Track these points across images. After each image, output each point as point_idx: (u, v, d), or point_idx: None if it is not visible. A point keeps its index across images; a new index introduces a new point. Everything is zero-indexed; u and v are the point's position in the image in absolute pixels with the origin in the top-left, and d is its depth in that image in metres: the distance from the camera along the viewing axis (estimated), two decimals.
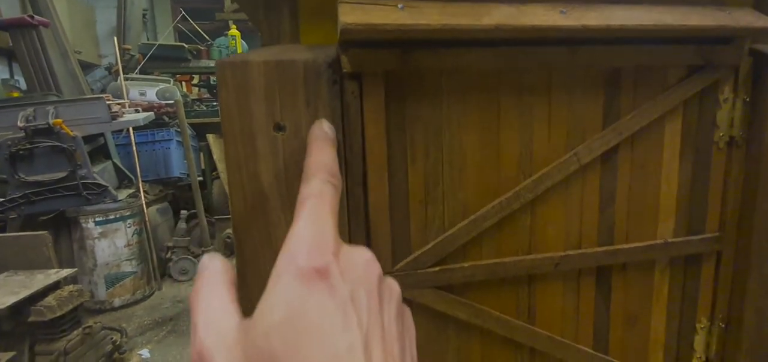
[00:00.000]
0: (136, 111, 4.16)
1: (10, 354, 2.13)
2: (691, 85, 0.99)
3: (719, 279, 1.11)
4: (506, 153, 0.93)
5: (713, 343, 1.14)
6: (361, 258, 0.36)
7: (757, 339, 1.11)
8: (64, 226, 3.52)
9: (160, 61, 5.80)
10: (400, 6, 0.78)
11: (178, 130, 4.54)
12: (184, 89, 6.11)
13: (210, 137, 5.21)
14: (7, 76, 5.17)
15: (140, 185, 4.00)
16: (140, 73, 5.39)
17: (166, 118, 4.70)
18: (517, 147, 0.93)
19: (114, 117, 3.60)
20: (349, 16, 0.74)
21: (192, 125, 4.98)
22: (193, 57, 6.08)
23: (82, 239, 3.45)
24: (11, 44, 3.96)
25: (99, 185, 3.33)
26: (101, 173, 3.63)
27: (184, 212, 4.42)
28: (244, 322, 0.33)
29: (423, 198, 0.91)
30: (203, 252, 4.49)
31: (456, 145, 0.91)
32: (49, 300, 2.30)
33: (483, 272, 0.95)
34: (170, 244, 4.20)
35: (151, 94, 4.88)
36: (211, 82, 6.32)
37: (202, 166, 5.31)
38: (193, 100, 5.89)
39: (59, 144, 3.15)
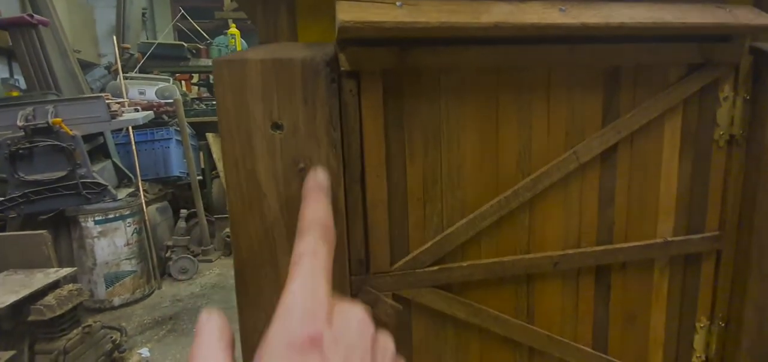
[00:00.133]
0: (136, 110, 4.16)
1: (10, 353, 2.13)
2: (691, 83, 0.99)
3: (719, 278, 1.10)
4: (505, 151, 0.93)
5: (713, 342, 1.14)
6: (355, 319, 0.36)
7: (758, 338, 1.11)
8: (63, 225, 3.52)
9: (160, 60, 5.80)
10: (398, 3, 0.78)
11: (178, 128, 4.54)
12: (184, 88, 6.10)
13: (209, 136, 5.21)
14: (6, 75, 5.17)
15: (140, 184, 4.00)
16: (139, 72, 5.39)
17: (166, 117, 4.70)
18: (516, 145, 0.93)
19: (113, 116, 3.59)
20: (347, 13, 0.73)
21: (191, 124, 4.98)
22: (192, 56, 6.08)
23: (81, 238, 3.45)
24: (11, 43, 3.96)
25: (98, 184, 3.33)
26: (101, 172, 3.63)
27: (183, 211, 4.42)
28: None
29: (421, 196, 0.90)
30: (203, 251, 4.49)
31: (454, 144, 0.90)
32: (49, 299, 2.30)
33: (482, 271, 0.94)
34: (170, 243, 4.20)
35: (151, 93, 4.87)
36: (211, 81, 6.32)
37: (202, 165, 5.31)
38: (192, 98, 5.89)
39: (59, 143, 3.15)
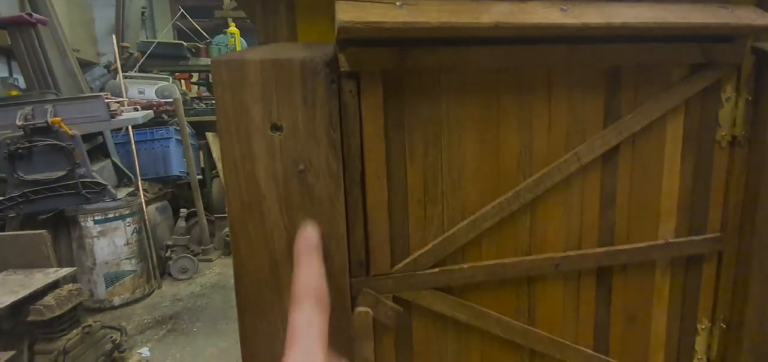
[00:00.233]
0: (135, 109, 4.15)
1: (9, 354, 2.12)
2: (693, 83, 0.98)
3: (721, 279, 1.10)
4: (506, 152, 0.92)
5: (714, 344, 1.14)
6: None
7: (759, 339, 1.11)
8: (63, 225, 3.52)
9: (159, 59, 5.79)
10: (398, 3, 0.77)
11: (178, 128, 4.53)
12: (183, 87, 6.09)
13: (209, 135, 5.20)
14: (5, 74, 5.16)
15: (139, 184, 3.99)
16: (139, 71, 5.38)
17: (165, 117, 4.69)
18: (517, 146, 0.92)
19: (113, 115, 3.59)
20: (346, 13, 0.73)
21: (191, 123, 4.97)
22: (192, 55, 6.07)
23: (81, 238, 3.45)
24: (9, 42, 3.95)
25: (98, 184, 3.33)
26: (100, 172, 3.62)
27: (183, 210, 4.41)
28: None
29: (422, 198, 0.90)
30: (203, 250, 4.48)
31: (455, 145, 0.90)
32: (49, 299, 2.29)
33: (482, 273, 0.94)
34: (170, 243, 4.20)
35: (150, 92, 4.87)
36: (211, 80, 6.29)
37: (202, 165, 5.30)
38: (192, 98, 5.88)
39: (58, 142, 3.14)
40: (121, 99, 4.00)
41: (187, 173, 4.55)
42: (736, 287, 1.11)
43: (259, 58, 0.73)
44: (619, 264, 1.03)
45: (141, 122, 3.98)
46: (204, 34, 6.51)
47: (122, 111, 3.68)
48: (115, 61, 4.59)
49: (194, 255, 4.25)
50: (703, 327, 1.12)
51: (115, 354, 2.68)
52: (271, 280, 0.79)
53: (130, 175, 3.98)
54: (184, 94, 5.53)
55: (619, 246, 1.01)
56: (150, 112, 4.20)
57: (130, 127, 4.16)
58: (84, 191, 3.26)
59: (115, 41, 4.81)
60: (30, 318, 2.23)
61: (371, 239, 0.86)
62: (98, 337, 2.56)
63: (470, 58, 0.84)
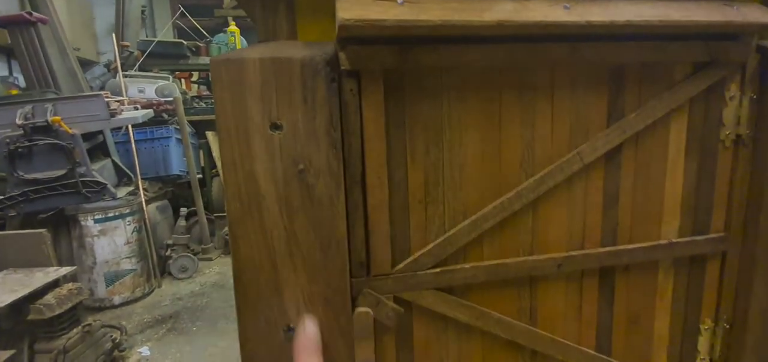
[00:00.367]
0: (135, 108, 4.14)
1: (9, 353, 2.12)
2: (698, 82, 0.97)
3: (724, 279, 1.09)
4: (508, 152, 0.91)
5: (717, 344, 1.13)
6: None
7: (762, 340, 1.10)
8: (63, 224, 3.51)
9: (159, 58, 5.77)
10: (399, 1, 0.76)
11: (178, 127, 4.52)
12: (183, 86, 6.08)
13: (209, 134, 5.19)
14: (5, 73, 5.16)
15: (139, 183, 3.99)
16: (139, 70, 5.36)
17: (165, 116, 4.68)
18: (519, 146, 0.91)
19: (113, 114, 3.58)
20: (347, 11, 0.72)
21: (191, 122, 4.96)
22: (192, 54, 6.05)
23: (81, 237, 3.44)
24: (9, 41, 3.94)
25: (98, 183, 3.32)
26: (100, 171, 3.62)
27: (183, 210, 4.40)
28: None
29: (423, 198, 0.89)
30: (203, 249, 4.48)
31: (456, 144, 0.89)
32: (49, 298, 2.29)
33: (484, 273, 0.93)
34: (170, 242, 4.19)
35: (150, 91, 4.85)
36: (211, 79, 6.27)
37: (202, 164, 5.29)
38: (192, 97, 5.87)
39: (58, 142, 3.13)
40: (121, 98, 3.99)
41: (187, 172, 4.54)
42: (739, 287, 1.10)
43: (258, 56, 0.72)
44: (622, 265, 1.02)
45: (141, 121, 3.97)
46: (204, 32, 6.50)
47: (122, 110, 3.67)
48: (115, 60, 4.58)
49: (194, 254, 4.24)
50: (706, 327, 1.11)
51: (115, 353, 2.68)
52: (271, 280, 0.78)
53: (130, 174, 3.98)
54: (184, 93, 5.52)
55: (622, 247, 1.00)
56: (150, 111, 4.19)
57: (130, 126, 4.15)
58: (84, 190, 3.25)
59: (115, 40, 4.79)
60: (30, 317, 2.23)
61: (372, 239, 0.85)
62: (98, 336, 2.56)
63: (472, 57, 0.83)
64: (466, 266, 0.92)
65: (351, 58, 0.76)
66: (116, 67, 4.66)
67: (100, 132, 3.92)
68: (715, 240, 1.05)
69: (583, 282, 1.02)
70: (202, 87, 6.71)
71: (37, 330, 2.35)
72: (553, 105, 0.91)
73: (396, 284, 0.88)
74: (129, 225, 3.64)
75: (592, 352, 1.04)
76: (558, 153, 0.92)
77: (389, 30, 0.74)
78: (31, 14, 3.86)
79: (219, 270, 4.31)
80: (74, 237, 3.58)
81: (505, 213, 0.91)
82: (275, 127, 0.75)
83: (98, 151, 3.97)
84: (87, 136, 3.56)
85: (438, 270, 0.90)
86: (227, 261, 4.46)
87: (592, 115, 0.93)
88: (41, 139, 3.16)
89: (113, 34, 5.08)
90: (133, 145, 4.23)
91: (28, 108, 3.21)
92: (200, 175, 5.11)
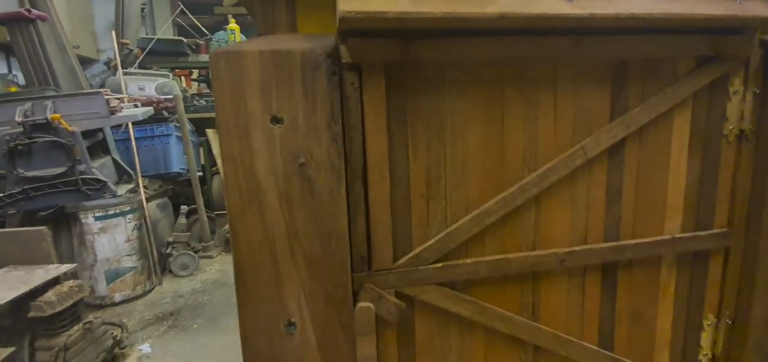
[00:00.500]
0: (135, 106, 4.12)
1: (10, 350, 2.12)
2: (701, 76, 0.97)
3: (727, 275, 1.09)
4: (510, 147, 0.91)
5: (720, 340, 1.12)
6: None
7: (765, 335, 1.09)
8: (63, 222, 3.50)
9: (159, 56, 5.75)
10: None
11: (178, 125, 4.50)
12: (184, 84, 6.07)
13: (209, 132, 5.18)
14: (5, 70, 5.14)
15: (140, 180, 3.98)
16: (139, 68, 5.34)
17: (165, 113, 4.67)
18: (522, 140, 0.91)
19: (113, 112, 3.56)
20: (348, 3, 0.71)
21: (191, 120, 4.94)
22: (192, 51, 6.03)
23: (81, 234, 3.43)
24: (9, 39, 3.92)
25: (98, 180, 3.31)
26: (100, 168, 3.61)
27: (184, 207, 4.39)
28: None
29: (425, 193, 0.88)
30: (203, 247, 4.48)
31: (458, 139, 0.88)
32: (49, 295, 2.28)
33: (486, 268, 0.93)
34: (170, 239, 4.18)
35: (150, 88, 4.84)
36: (211, 77, 6.25)
37: (202, 161, 5.28)
38: (192, 94, 5.85)
39: (58, 139, 3.12)
40: (120, 95, 3.98)
41: (188, 170, 4.54)
42: (741, 283, 1.10)
43: (258, 49, 0.72)
44: (625, 260, 1.02)
45: (141, 118, 3.96)
46: (204, 30, 6.48)
47: (122, 107, 3.66)
48: (115, 58, 4.57)
49: (195, 252, 4.24)
50: (709, 323, 1.11)
51: (116, 350, 2.68)
52: (272, 275, 0.77)
53: (130, 171, 3.97)
54: (184, 90, 5.51)
55: (625, 242, 0.99)
56: (150, 108, 4.17)
57: (130, 124, 4.14)
58: (84, 188, 3.25)
59: (114, 37, 4.78)
60: (30, 314, 2.22)
61: (373, 234, 0.85)
62: (99, 333, 2.56)
63: (474, 51, 0.83)
64: (468, 261, 0.92)
65: (352, 51, 0.75)
66: (116, 65, 4.65)
67: (100, 129, 3.91)
68: (718, 236, 1.05)
69: (586, 277, 1.01)
70: (202, 85, 6.70)
71: (38, 328, 2.35)
72: (556, 99, 0.91)
73: (397, 279, 0.88)
74: (129, 222, 3.63)
75: (595, 348, 1.04)
76: (561, 147, 0.92)
77: (390, 22, 0.73)
78: (30, 11, 3.84)
79: (220, 267, 4.30)
80: (75, 234, 3.58)
81: (507, 208, 0.91)
82: (275, 120, 0.74)
83: (98, 148, 3.96)
84: (87, 134, 3.55)
85: (440, 265, 0.90)
86: (228, 258, 4.46)
87: (596, 110, 0.93)
88: (41, 137, 3.16)
89: (113, 32, 5.06)
90: (133, 143, 4.22)
91: (27, 105, 3.20)
92: (200, 173, 5.10)
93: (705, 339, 1.12)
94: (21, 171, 3.16)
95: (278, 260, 0.77)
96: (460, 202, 0.90)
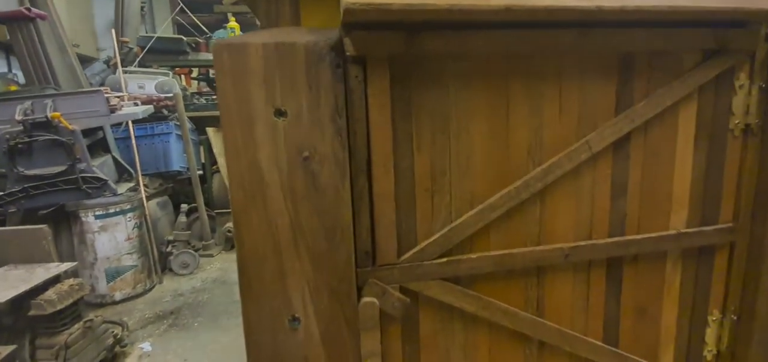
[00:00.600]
0: (135, 104, 4.11)
1: (10, 348, 2.11)
2: (706, 70, 0.96)
3: (732, 270, 1.08)
4: (515, 141, 0.90)
5: (725, 336, 1.12)
6: None
7: None
8: (63, 220, 3.50)
9: (159, 54, 5.74)
10: None
11: (178, 123, 4.49)
12: (183, 83, 6.05)
13: (210, 130, 5.17)
14: (4, 69, 5.13)
15: (140, 179, 3.97)
16: (139, 66, 5.33)
17: (166, 112, 4.66)
18: (527, 134, 0.90)
19: (113, 110, 3.55)
20: None
21: (191, 119, 4.93)
22: (192, 50, 6.02)
23: (82, 233, 3.43)
24: (8, 37, 3.91)
25: (98, 179, 3.30)
26: (100, 167, 3.60)
27: (184, 206, 4.39)
28: None
29: (429, 187, 0.88)
30: (203, 246, 4.47)
31: (463, 133, 0.87)
32: (50, 294, 2.27)
33: (491, 263, 0.92)
34: (171, 238, 4.17)
35: (150, 87, 4.83)
36: (211, 76, 6.27)
37: (202, 160, 5.27)
38: (192, 93, 5.84)
39: (58, 137, 3.11)
40: (120, 94, 3.97)
41: (188, 168, 4.53)
42: (747, 278, 1.09)
43: (261, 41, 0.71)
44: (630, 255, 1.01)
45: (141, 117, 3.95)
46: (204, 29, 6.47)
47: (122, 106, 3.65)
48: (115, 56, 4.56)
49: (195, 251, 4.23)
50: (714, 318, 1.10)
51: (117, 348, 2.67)
52: (275, 269, 0.77)
53: (130, 170, 3.96)
54: (184, 89, 5.50)
55: (630, 237, 0.99)
56: (150, 107, 4.16)
57: (130, 122, 4.13)
58: (84, 186, 3.24)
59: (114, 36, 4.77)
60: (31, 312, 2.22)
61: (377, 228, 0.84)
62: (99, 332, 2.55)
63: (479, 44, 0.82)
64: (473, 256, 0.91)
65: (356, 43, 0.75)
66: (116, 63, 4.64)
67: (100, 128, 3.90)
68: (724, 231, 1.04)
69: (591, 272, 1.01)
70: (202, 83, 6.69)
71: (38, 326, 2.34)
72: (561, 93, 0.90)
73: (402, 274, 0.87)
74: (130, 221, 3.63)
75: (599, 343, 1.03)
76: (566, 141, 0.91)
77: (395, 14, 0.72)
78: (29, 10, 3.83)
79: (220, 266, 4.30)
80: (75, 233, 3.57)
81: (512, 202, 0.90)
82: (279, 113, 0.73)
83: (98, 147, 3.95)
84: (87, 132, 3.54)
85: (444, 259, 0.89)
86: (228, 257, 4.46)
87: (601, 104, 0.92)
88: (41, 135, 3.15)
89: (112, 30, 5.05)
90: (134, 141, 4.21)
91: (27, 104, 3.19)
92: (201, 171, 5.10)
93: (710, 334, 1.11)
94: (21, 169, 3.15)
95: (282, 254, 0.77)
96: (464, 197, 0.90)
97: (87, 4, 6.57)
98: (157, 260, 4.02)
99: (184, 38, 6.06)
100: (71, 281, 2.46)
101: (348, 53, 0.75)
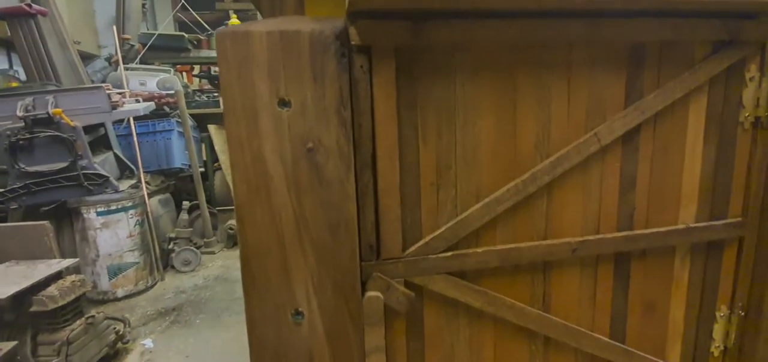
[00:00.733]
0: (137, 101, 4.11)
1: (12, 344, 2.11)
2: (717, 62, 0.94)
3: (741, 265, 1.06)
4: (522, 133, 0.88)
5: (732, 332, 1.11)
6: None
7: None
8: (65, 217, 3.50)
9: (161, 51, 5.73)
10: None
11: (179, 120, 4.49)
12: (185, 80, 6.05)
13: (211, 128, 5.16)
14: (5, 66, 5.12)
15: (142, 176, 3.97)
16: (140, 63, 5.33)
17: (167, 109, 4.65)
18: (534, 127, 0.88)
19: (114, 107, 3.55)
20: None
21: (193, 116, 4.92)
22: (193, 47, 6.01)
23: (84, 230, 3.43)
24: (9, 34, 3.90)
25: (100, 176, 3.30)
26: (102, 164, 3.60)
27: (186, 203, 4.38)
28: None
29: (435, 180, 0.86)
30: (205, 243, 4.47)
31: (470, 126, 0.86)
32: (52, 289, 2.27)
33: (497, 258, 0.91)
34: (172, 235, 4.17)
35: (152, 84, 4.82)
36: (212, 73, 6.26)
37: (204, 157, 5.27)
38: (193, 90, 5.83)
39: (59, 134, 3.11)
40: (122, 90, 3.97)
41: (190, 166, 4.53)
42: (755, 274, 1.08)
43: (265, 29, 0.70)
44: (638, 250, 1.00)
45: (142, 113, 3.94)
46: (205, 26, 6.46)
47: (124, 102, 3.64)
48: (116, 53, 4.55)
49: (197, 248, 4.23)
50: (722, 314, 1.09)
51: (119, 345, 2.67)
52: (279, 263, 0.76)
53: (132, 167, 3.96)
54: (185, 86, 5.49)
55: (639, 231, 0.97)
56: (151, 104, 4.16)
57: (131, 119, 4.12)
58: (86, 183, 3.23)
59: (115, 33, 4.76)
60: (33, 308, 2.21)
61: (382, 222, 0.83)
62: (102, 328, 2.55)
63: (487, 34, 0.81)
64: (479, 250, 0.90)
65: (362, 32, 0.73)
66: (117, 60, 4.63)
67: (102, 125, 3.89)
68: (733, 226, 1.03)
69: (598, 267, 0.99)
70: (204, 80, 6.69)
71: (40, 322, 2.34)
72: (570, 85, 0.88)
73: (407, 268, 0.86)
74: (131, 218, 3.62)
75: (606, 339, 1.02)
76: (574, 134, 0.90)
77: (401, 2, 0.71)
78: (30, 6, 3.82)
79: (222, 263, 4.30)
80: (77, 230, 3.57)
81: (519, 196, 0.89)
82: (283, 103, 0.72)
83: (100, 143, 3.95)
84: (88, 129, 3.53)
85: (450, 254, 0.88)
86: (230, 254, 4.46)
87: (610, 96, 0.91)
88: (42, 131, 3.14)
89: (114, 27, 5.04)
90: (135, 138, 4.21)
91: (28, 100, 3.18)
92: (202, 169, 5.09)
93: (717, 330, 1.10)
94: (23, 166, 3.15)
95: (286, 247, 0.76)
96: (470, 190, 0.88)
97: (88, 1, 6.56)
98: (159, 257, 4.02)
99: (186, 35, 6.05)
100: (73, 277, 2.46)
101: (353, 43, 0.74)
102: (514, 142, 0.88)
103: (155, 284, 3.92)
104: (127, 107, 3.79)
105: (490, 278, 0.93)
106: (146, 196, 3.93)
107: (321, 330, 0.81)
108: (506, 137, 0.88)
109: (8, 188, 3.12)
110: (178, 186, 4.88)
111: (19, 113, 3.12)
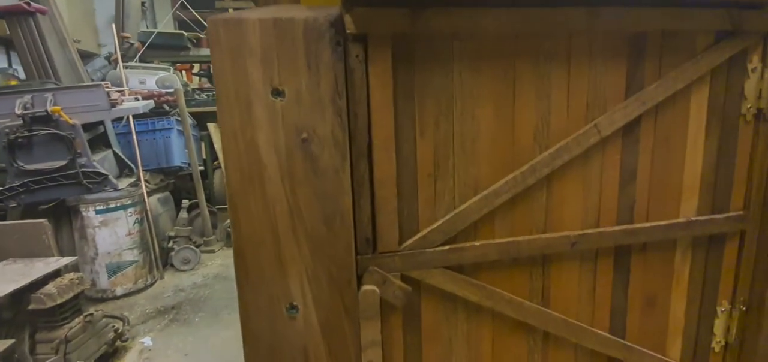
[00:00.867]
0: (136, 99, 4.10)
1: (9, 342, 2.10)
2: (719, 52, 0.93)
3: (742, 260, 1.05)
4: (522, 124, 0.87)
5: (733, 327, 1.09)
6: None
7: None
8: (64, 215, 3.49)
9: (160, 50, 5.72)
10: None
11: (179, 118, 4.48)
12: (185, 78, 6.04)
13: (211, 126, 5.15)
14: (4, 64, 5.12)
15: (141, 174, 3.96)
16: (140, 62, 5.32)
17: (167, 107, 4.64)
18: (534, 118, 0.87)
19: (113, 105, 3.54)
20: None
21: (192, 114, 4.92)
22: (193, 45, 6.00)
23: (82, 228, 3.42)
24: (8, 32, 3.90)
25: (99, 174, 3.29)
26: (101, 162, 3.59)
27: (185, 201, 4.37)
28: None
29: (432, 172, 0.85)
30: (205, 241, 4.46)
31: (468, 116, 0.85)
32: (50, 287, 2.26)
33: (495, 251, 0.89)
34: (172, 234, 4.17)
35: (151, 82, 4.81)
36: (212, 71, 6.25)
37: (203, 156, 5.26)
38: (193, 89, 5.83)
39: (58, 132, 3.10)
40: (121, 88, 3.96)
41: (189, 164, 4.52)
42: (756, 268, 1.06)
43: (258, 17, 0.69)
44: (639, 244, 0.98)
45: (142, 111, 3.93)
46: (205, 24, 6.45)
47: (123, 100, 3.63)
48: (116, 51, 4.55)
49: (196, 246, 4.22)
50: (723, 309, 1.08)
51: (118, 343, 2.66)
52: (273, 255, 0.74)
53: (131, 165, 3.95)
54: (185, 84, 5.48)
55: (639, 225, 0.96)
56: (151, 102, 4.15)
57: (131, 118, 4.12)
58: (85, 181, 3.22)
59: (115, 31, 4.75)
60: (31, 306, 2.21)
61: (378, 214, 0.81)
62: (100, 326, 2.54)
63: (486, 22, 0.79)
64: (477, 244, 0.88)
65: (357, 20, 0.72)
66: (117, 59, 4.62)
67: (101, 123, 3.89)
68: (734, 219, 1.01)
69: (598, 261, 0.98)
70: (203, 79, 6.68)
71: (39, 320, 2.33)
72: (570, 75, 0.87)
73: (403, 262, 0.85)
74: (130, 216, 3.62)
75: (606, 334, 1.01)
76: (574, 125, 0.88)
77: None
78: (29, 4, 3.81)
79: (221, 262, 4.29)
80: (76, 228, 3.56)
81: (517, 188, 0.87)
82: (277, 93, 0.71)
83: (99, 142, 3.94)
84: (88, 127, 3.53)
85: (447, 247, 0.87)
86: (229, 253, 4.45)
87: (611, 86, 0.89)
88: (41, 129, 3.13)
89: (113, 26, 5.03)
90: (135, 136, 4.20)
91: (27, 98, 3.17)
92: (202, 168, 5.08)
93: (718, 325, 1.08)
94: (21, 164, 3.14)
95: (280, 239, 0.74)
96: (468, 182, 0.87)
97: (88, 0, 6.55)
98: (158, 255, 4.01)
99: (185, 34, 6.04)
100: (71, 275, 2.45)
101: (349, 31, 0.73)
102: (513, 133, 0.87)
103: (154, 282, 3.91)
104: (126, 105, 3.79)
105: (488, 272, 0.91)
106: (145, 195, 3.92)
107: (316, 324, 0.80)
108: (505, 128, 0.87)
109: (7, 186, 3.12)
110: (177, 185, 4.87)
111: (18, 111, 3.11)
